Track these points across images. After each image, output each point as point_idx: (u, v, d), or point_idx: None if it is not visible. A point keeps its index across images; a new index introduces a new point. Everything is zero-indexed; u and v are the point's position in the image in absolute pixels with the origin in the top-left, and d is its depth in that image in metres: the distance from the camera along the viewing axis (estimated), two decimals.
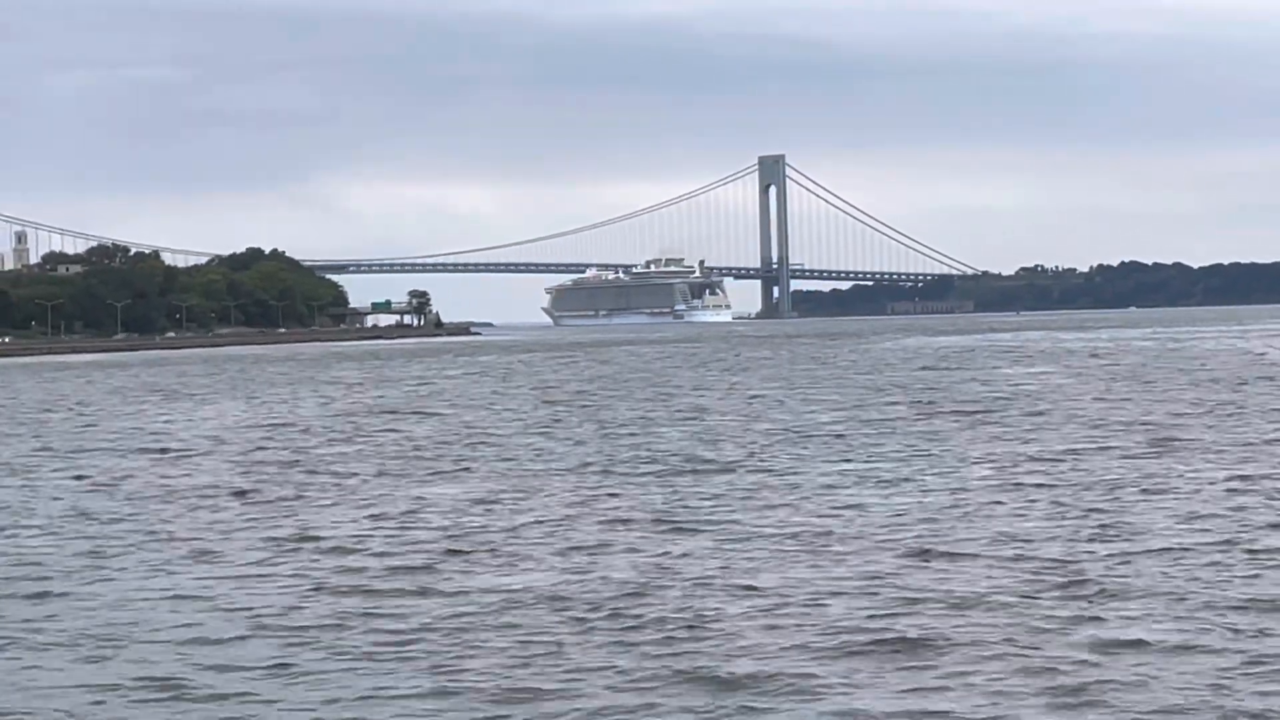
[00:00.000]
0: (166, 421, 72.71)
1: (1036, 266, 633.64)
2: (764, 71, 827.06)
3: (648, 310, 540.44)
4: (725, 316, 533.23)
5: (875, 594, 24.38)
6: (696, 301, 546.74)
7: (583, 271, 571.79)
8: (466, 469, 45.89)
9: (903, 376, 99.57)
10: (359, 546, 30.77)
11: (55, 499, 41.03)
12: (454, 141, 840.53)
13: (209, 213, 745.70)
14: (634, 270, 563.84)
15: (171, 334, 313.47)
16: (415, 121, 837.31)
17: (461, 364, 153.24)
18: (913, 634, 21.49)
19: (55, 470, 49.60)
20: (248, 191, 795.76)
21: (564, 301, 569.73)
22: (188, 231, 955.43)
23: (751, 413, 67.03)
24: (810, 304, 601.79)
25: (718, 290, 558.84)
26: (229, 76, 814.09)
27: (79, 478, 46.58)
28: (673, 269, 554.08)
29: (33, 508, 39.17)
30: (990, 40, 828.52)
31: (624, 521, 33.02)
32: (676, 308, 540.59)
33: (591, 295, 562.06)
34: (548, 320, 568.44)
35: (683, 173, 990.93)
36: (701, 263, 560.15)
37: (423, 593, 25.66)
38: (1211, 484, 37.05)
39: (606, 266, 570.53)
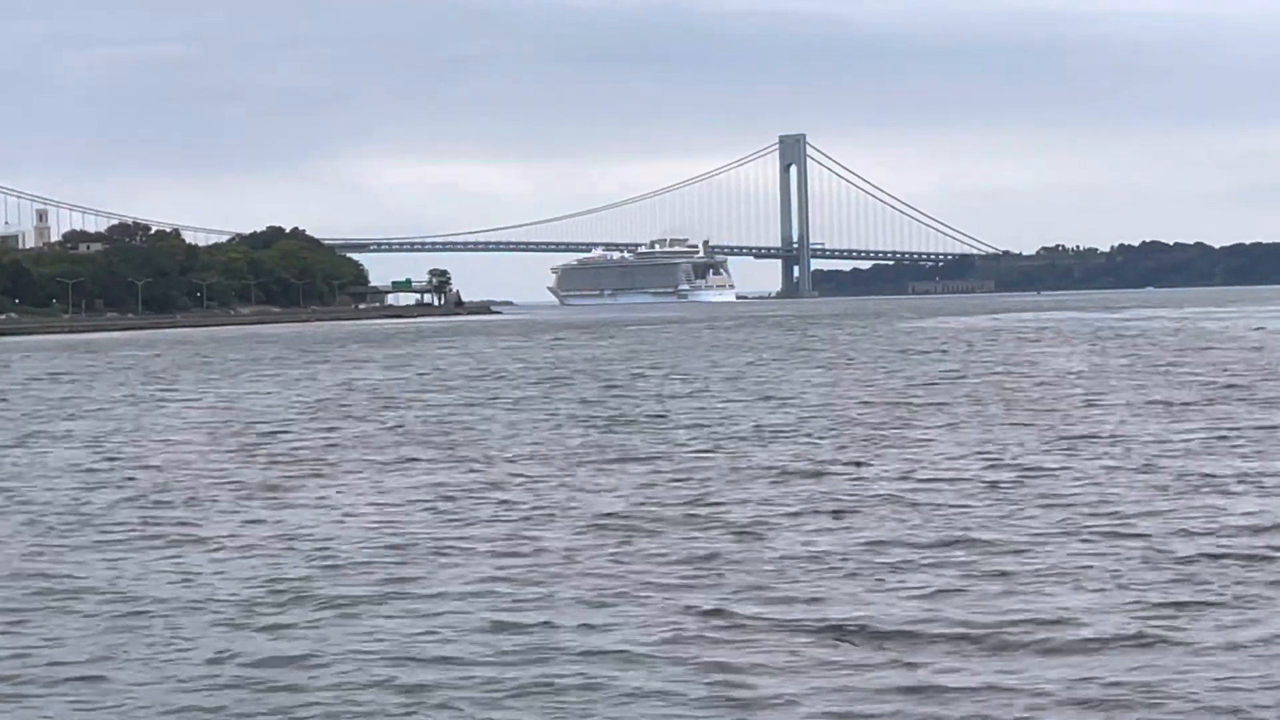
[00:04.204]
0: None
1: (1058, 246, 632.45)
2: (783, 50, 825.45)
3: (652, 290, 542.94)
4: (729, 296, 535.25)
5: None
6: (700, 281, 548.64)
7: (589, 251, 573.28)
8: None
9: None
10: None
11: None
12: (473, 120, 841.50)
13: (229, 191, 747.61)
14: (639, 250, 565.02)
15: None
16: (432, 99, 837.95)
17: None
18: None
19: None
20: (267, 169, 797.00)
21: (569, 281, 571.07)
22: (207, 210, 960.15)
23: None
24: (831, 284, 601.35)
25: (721, 270, 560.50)
26: (245, 54, 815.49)
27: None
28: (677, 249, 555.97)
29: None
30: (1009, 18, 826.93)
31: None
32: (680, 287, 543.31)
33: (597, 275, 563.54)
34: (554, 300, 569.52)
35: (704, 151, 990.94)
36: (705, 242, 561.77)
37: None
38: None
39: (612, 246, 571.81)
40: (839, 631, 20.62)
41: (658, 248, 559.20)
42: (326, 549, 27.79)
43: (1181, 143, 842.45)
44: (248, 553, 27.60)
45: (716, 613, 21.83)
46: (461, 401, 67.10)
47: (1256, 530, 27.53)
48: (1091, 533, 27.57)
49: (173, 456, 45.23)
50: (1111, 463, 37.63)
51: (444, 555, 26.91)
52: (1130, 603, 21.92)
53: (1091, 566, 24.56)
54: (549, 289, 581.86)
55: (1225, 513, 29.50)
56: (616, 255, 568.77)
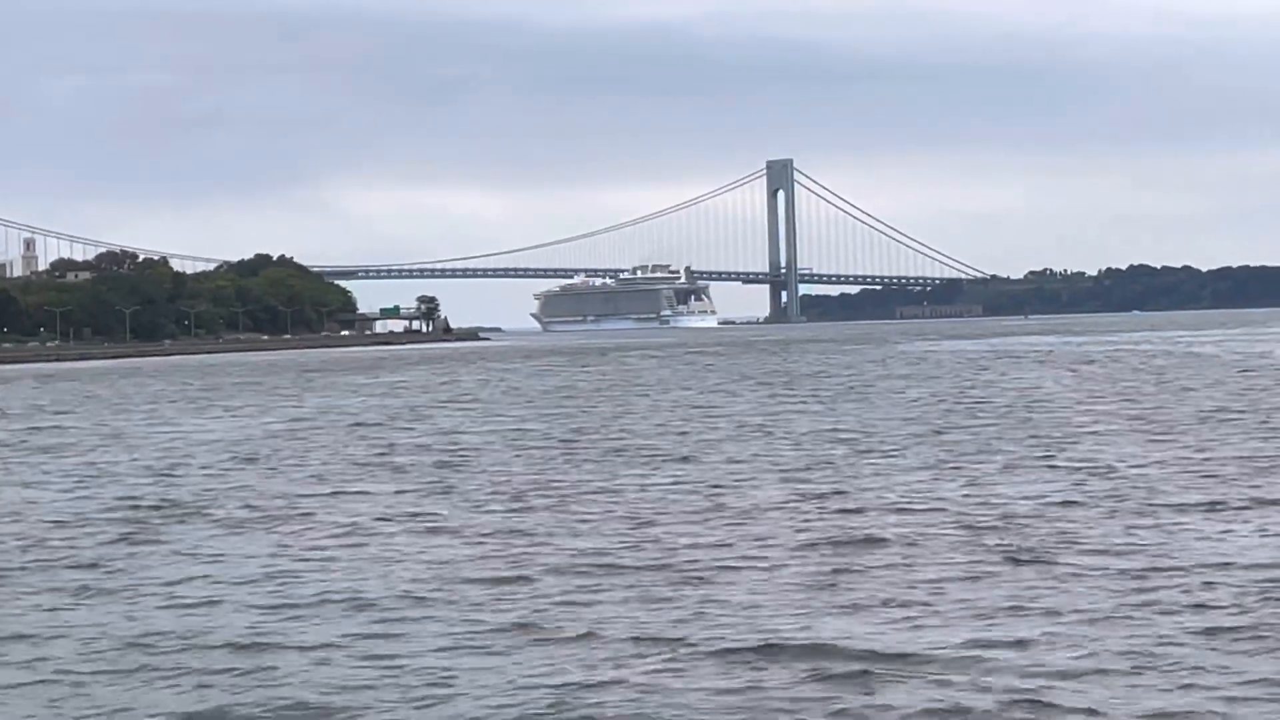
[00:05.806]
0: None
1: (1045, 270, 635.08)
2: (769, 76, 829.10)
3: (634, 315, 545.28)
4: (710, 322, 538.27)
5: None
6: (682, 307, 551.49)
7: (571, 277, 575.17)
8: None
9: None
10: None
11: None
12: (459, 145, 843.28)
13: (216, 218, 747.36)
14: (621, 276, 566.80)
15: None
16: (418, 125, 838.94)
17: None
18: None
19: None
20: (254, 196, 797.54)
21: (552, 307, 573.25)
22: (195, 237, 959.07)
23: None
24: (818, 309, 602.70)
25: (703, 296, 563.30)
26: (231, 80, 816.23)
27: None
28: (659, 275, 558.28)
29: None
30: (997, 42, 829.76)
31: None
32: (662, 313, 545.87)
33: (580, 301, 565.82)
34: (537, 326, 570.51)
35: (692, 176, 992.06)
36: (687, 268, 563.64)
37: None
38: None
39: (595, 272, 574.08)
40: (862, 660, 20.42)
41: (640, 274, 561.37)
42: (317, 581, 27.50)
43: (1169, 166, 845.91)
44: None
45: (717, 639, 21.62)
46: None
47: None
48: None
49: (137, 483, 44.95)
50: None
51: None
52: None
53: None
54: (532, 315, 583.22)
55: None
56: (599, 281, 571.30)
